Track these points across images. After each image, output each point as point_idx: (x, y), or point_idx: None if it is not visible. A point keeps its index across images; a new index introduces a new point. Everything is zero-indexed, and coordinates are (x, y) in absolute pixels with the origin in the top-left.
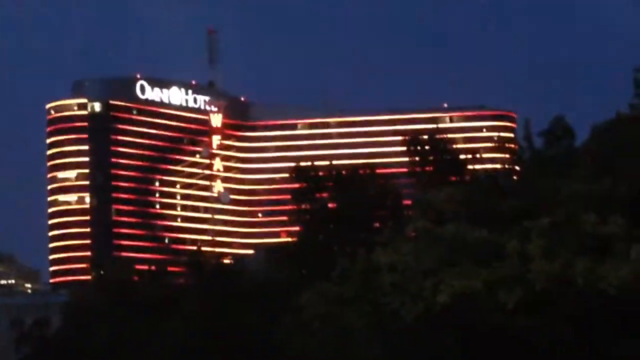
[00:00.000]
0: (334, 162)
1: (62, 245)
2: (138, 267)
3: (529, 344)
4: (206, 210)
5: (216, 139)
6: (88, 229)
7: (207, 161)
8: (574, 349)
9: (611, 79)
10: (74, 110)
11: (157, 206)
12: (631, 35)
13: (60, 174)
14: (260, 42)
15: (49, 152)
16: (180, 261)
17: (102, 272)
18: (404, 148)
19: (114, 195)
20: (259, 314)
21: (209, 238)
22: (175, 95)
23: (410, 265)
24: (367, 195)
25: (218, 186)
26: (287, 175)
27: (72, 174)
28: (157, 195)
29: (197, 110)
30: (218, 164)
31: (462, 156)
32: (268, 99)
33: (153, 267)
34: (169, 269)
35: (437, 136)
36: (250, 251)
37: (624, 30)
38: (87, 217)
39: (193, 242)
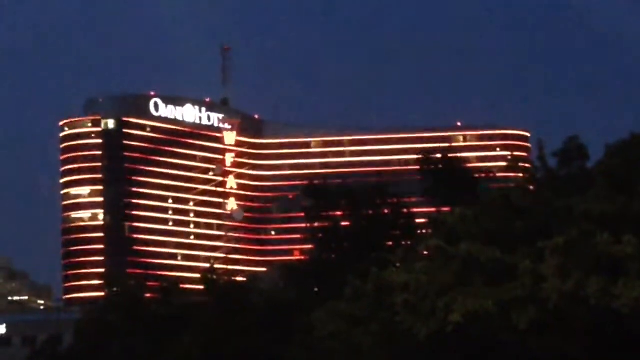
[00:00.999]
0: (348, 180)
1: (75, 261)
2: (151, 284)
3: None
4: (219, 227)
5: (230, 157)
6: (101, 246)
7: (221, 179)
8: None
9: (627, 98)
10: (87, 127)
11: (171, 223)
12: None
13: (74, 191)
14: (274, 59)
15: (63, 168)
16: (193, 278)
17: (115, 289)
18: (418, 167)
19: (128, 212)
20: (270, 331)
21: (222, 255)
22: (189, 113)
23: (423, 284)
24: (380, 213)
25: (231, 204)
26: (300, 193)
27: (85, 190)
28: (171, 212)
29: (211, 128)
30: (231, 181)
31: (475, 175)
32: (282, 116)
33: (166, 284)
34: (182, 286)
35: (451, 155)
36: (263, 269)
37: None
38: (101, 234)
39: (206, 259)
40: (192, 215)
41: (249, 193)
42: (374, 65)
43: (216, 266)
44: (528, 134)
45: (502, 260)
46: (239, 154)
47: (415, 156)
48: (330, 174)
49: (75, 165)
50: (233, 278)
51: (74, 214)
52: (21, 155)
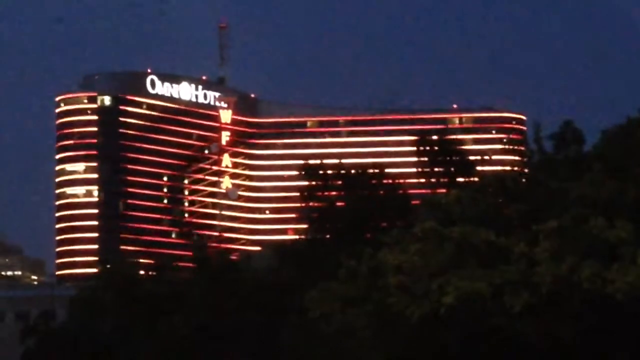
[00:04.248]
0: (343, 160)
1: (68, 237)
2: (144, 261)
3: (533, 347)
4: (214, 206)
5: (225, 135)
6: (95, 222)
7: (216, 157)
8: (579, 353)
9: (624, 83)
10: (83, 104)
11: (165, 201)
12: None
13: (69, 167)
14: (272, 38)
15: (58, 144)
16: (187, 256)
17: (108, 266)
18: (413, 148)
19: (122, 189)
20: (263, 311)
21: (217, 234)
22: (185, 91)
23: (416, 266)
24: (376, 195)
25: (226, 182)
26: (295, 172)
27: (80, 166)
28: (165, 190)
29: (207, 106)
30: (227, 160)
31: (471, 157)
32: (278, 96)
33: (160, 262)
34: (175, 264)
35: (447, 137)
36: (257, 248)
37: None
38: (95, 211)
39: (200, 237)
40: (186, 193)
41: (244, 172)
42: (372, 46)
43: (210, 244)
44: (524, 117)
45: (497, 243)
46: (235, 133)
47: (411, 137)
48: (325, 154)
49: (71, 142)
50: (227, 256)
51: (69, 190)
52: (17, 131)
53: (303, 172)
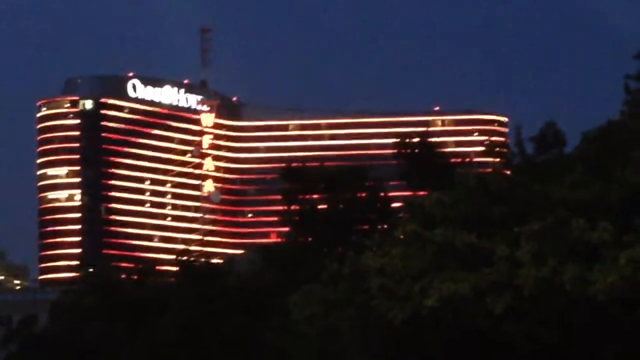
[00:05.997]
0: (325, 163)
1: (51, 242)
2: (127, 265)
3: (516, 349)
4: (196, 209)
5: (207, 139)
6: (78, 227)
7: (198, 160)
8: (562, 354)
9: (604, 85)
10: (65, 108)
11: (148, 205)
12: (628, 38)
13: (51, 171)
14: (254, 42)
15: (40, 148)
16: (170, 260)
17: (90, 270)
18: (395, 151)
19: (105, 193)
20: (247, 314)
21: (199, 237)
22: (167, 94)
23: (398, 268)
24: (358, 197)
25: (208, 186)
26: (277, 175)
27: (62, 171)
28: (148, 193)
29: (189, 110)
30: (209, 163)
31: (452, 160)
32: (260, 99)
33: (142, 266)
34: (158, 267)
35: (428, 139)
36: (240, 251)
37: (621, 35)
38: (77, 215)
39: (183, 241)
40: (169, 196)
41: (226, 175)
42: (354, 49)
43: (192, 248)
44: (506, 119)
45: (478, 245)
46: (217, 136)
47: (392, 140)
48: (307, 157)
49: (53, 146)
50: (209, 260)
51: (51, 194)
52: None
53: (285, 175)
